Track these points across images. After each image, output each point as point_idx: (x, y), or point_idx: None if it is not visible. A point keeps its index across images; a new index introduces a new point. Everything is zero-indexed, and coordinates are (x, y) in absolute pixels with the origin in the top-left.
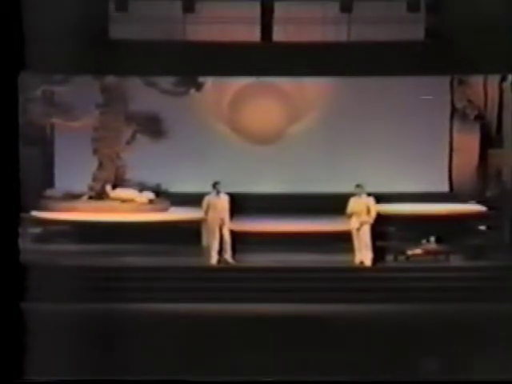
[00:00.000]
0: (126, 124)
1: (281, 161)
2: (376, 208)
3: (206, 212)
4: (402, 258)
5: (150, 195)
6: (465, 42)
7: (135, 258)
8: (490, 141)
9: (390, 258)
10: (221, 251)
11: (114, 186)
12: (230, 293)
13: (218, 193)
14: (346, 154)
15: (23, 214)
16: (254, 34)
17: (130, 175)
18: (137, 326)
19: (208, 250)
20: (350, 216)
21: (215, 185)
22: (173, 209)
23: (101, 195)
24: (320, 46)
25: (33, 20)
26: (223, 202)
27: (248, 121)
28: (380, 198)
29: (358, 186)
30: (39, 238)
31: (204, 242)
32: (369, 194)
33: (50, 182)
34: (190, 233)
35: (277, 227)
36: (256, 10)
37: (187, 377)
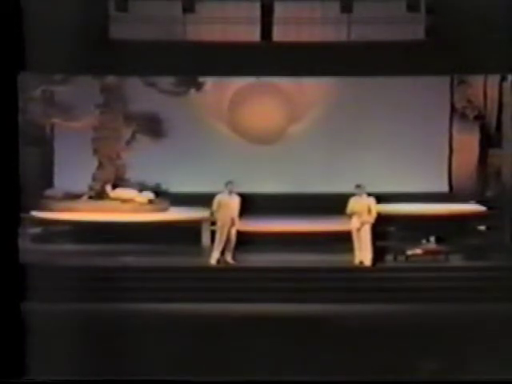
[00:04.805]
0: (126, 124)
1: (281, 161)
2: (377, 208)
3: (216, 211)
4: (401, 257)
5: (150, 195)
6: (465, 41)
7: (135, 258)
8: (489, 141)
9: (389, 258)
10: (223, 251)
11: (114, 186)
12: (230, 293)
13: (230, 193)
14: (346, 153)
15: (23, 214)
16: (254, 34)
17: (129, 175)
18: (137, 325)
19: (208, 249)
20: (350, 216)
21: (228, 184)
22: (173, 209)
23: (101, 195)
24: (320, 46)
25: (33, 20)
26: (235, 202)
27: (248, 121)
28: (380, 198)
29: (358, 186)
30: (39, 238)
31: (204, 241)
32: (369, 194)
33: (49, 182)
34: (190, 233)
35: (277, 227)
36: (256, 10)
37: (187, 377)
